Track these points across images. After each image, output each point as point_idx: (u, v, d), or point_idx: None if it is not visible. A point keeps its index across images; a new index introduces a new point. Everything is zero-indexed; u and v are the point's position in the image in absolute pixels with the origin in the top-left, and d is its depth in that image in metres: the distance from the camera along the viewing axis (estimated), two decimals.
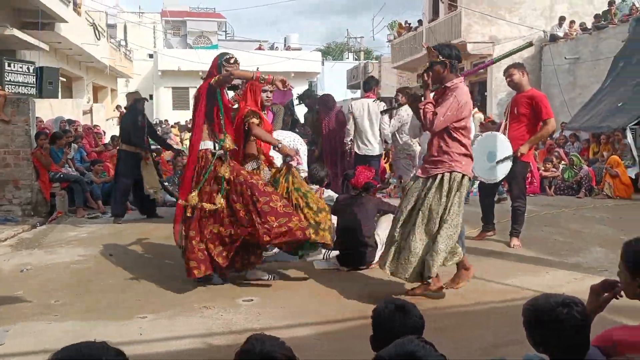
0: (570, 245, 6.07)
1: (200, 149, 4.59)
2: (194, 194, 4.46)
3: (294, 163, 4.93)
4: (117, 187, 7.99)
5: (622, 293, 2.10)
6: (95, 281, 4.96)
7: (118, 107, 21.12)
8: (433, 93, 4.20)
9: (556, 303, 1.85)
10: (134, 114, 7.95)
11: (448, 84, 4.09)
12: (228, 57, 4.78)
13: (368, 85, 7.82)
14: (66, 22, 14.78)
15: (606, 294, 2.12)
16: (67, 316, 4.06)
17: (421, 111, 4.08)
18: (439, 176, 4.07)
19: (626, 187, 9.70)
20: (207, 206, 4.44)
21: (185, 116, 23.62)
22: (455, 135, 4.09)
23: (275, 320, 3.93)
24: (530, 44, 5.18)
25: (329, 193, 6.03)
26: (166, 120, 24.48)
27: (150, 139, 8.19)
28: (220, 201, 4.44)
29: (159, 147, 9.71)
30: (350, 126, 7.40)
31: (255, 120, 4.79)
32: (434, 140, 4.19)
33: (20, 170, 8.14)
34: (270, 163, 5.08)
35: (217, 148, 4.58)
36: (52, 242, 6.65)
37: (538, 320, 1.86)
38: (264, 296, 4.45)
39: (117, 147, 8.79)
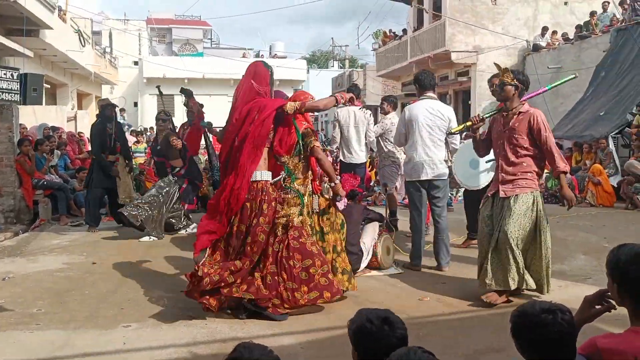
0: (554, 252, 6.00)
1: (256, 179, 4.13)
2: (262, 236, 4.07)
3: (340, 205, 4.52)
4: (87, 197, 7.95)
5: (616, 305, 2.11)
6: (78, 289, 4.91)
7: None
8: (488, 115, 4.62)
9: (542, 309, 1.86)
10: (100, 121, 7.91)
11: (522, 110, 4.39)
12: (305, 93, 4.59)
13: (352, 93, 7.78)
14: (51, 28, 14.67)
15: (599, 306, 2.14)
16: (50, 325, 4.01)
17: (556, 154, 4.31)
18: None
19: (609, 195, 9.82)
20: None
21: None
22: None
23: (260, 329, 3.91)
24: (575, 76, 5.35)
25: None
26: (151, 128, 24.33)
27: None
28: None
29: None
30: (337, 134, 7.42)
31: (317, 143, 4.38)
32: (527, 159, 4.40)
33: (3, 177, 8.05)
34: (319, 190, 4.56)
35: (285, 182, 4.26)
36: (35, 249, 6.57)
37: (524, 326, 1.87)
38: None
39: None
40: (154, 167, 8.10)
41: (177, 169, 7.42)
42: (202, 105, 7.95)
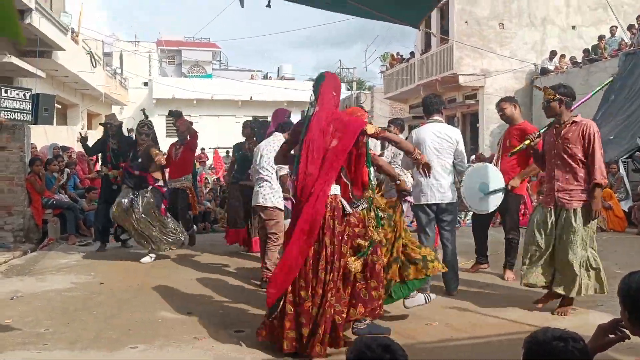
0: None
1: (331, 193, 3.85)
2: (354, 260, 3.78)
3: (410, 199, 4.41)
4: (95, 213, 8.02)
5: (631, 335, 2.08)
6: (86, 309, 4.90)
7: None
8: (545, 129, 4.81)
9: (553, 336, 1.83)
10: (103, 136, 7.99)
11: (576, 120, 4.61)
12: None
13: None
14: (64, 50, 14.90)
15: (613, 336, 2.12)
16: (57, 345, 4.00)
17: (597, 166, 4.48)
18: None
19: (620, 220, 9.75)
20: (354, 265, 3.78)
21: None
22: None
23: (266, 351, 3.88)
24: (612, 80, 5.51)
25: None
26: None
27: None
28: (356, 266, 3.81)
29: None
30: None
31: (374, 150, 4.21)
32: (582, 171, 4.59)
33: (13, 196, 8.11)
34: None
35: (356, 200, 3.97)
36: (43, 269, 6.59)
37: (536, 353, 1.84)
38: (255, 327, 4.40)
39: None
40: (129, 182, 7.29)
41: (159, 181, 7.24)
42: (191, 123, 7.99)
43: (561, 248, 4.58)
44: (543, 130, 4.89)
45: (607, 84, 5.47)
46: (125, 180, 7.21)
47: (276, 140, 5.72)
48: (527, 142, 4.83)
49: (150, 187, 7.09)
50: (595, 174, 4.47)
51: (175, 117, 7.83)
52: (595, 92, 5.56)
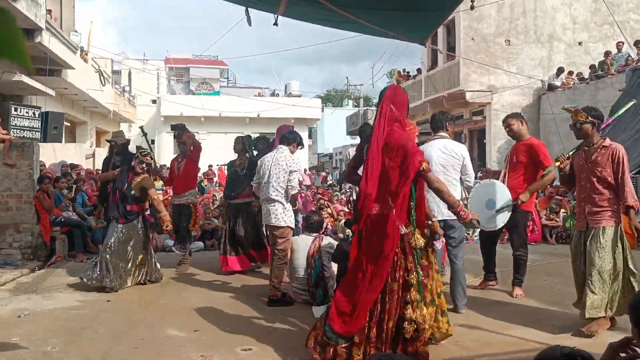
0: (574, 295, 5.97)
1: (402, 232, 3.67)
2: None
3: (438, 245, 4.15)
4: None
5: None
6: (93, 328, 4.89)
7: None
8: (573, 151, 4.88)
9: (562, 354, 1.81)
10: (108, 156, 7.88)
11: (605, 144, 4.66)
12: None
13: (364, 132, 7.80)
14: (73, 68, 15.07)
15: (624, 354, 2.08)
16: None
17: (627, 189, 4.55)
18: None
19: (629, 237, 9.62)
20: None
21: None
22: None
23: None
24: (634, 102, 5.57)
25: (329, 240, 6.01)
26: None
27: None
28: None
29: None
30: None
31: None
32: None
33: (22, 213, 8.15)
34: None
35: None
36: (51, 287, 6.59)
37: None
38: (262, 345, 4.39)
39: None
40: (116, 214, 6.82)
41: (147, 210, 7.04)
42: (194, 135, 7.82)
43: (589, 262, 4.60)
44: (572, 152, 4.94)
45: (628, 107, 5.48)
46: (113, 211, 6.73)
47: (282, 157, 5.72)
48: (557, 163, 4.93)
49: (140, 217, 6.80)
50: (627, 197, 4.52)
51: (180, 131, 7.57)
52: (618, 115, 5.58)
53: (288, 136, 5.96)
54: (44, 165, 10.96)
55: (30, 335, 4.66)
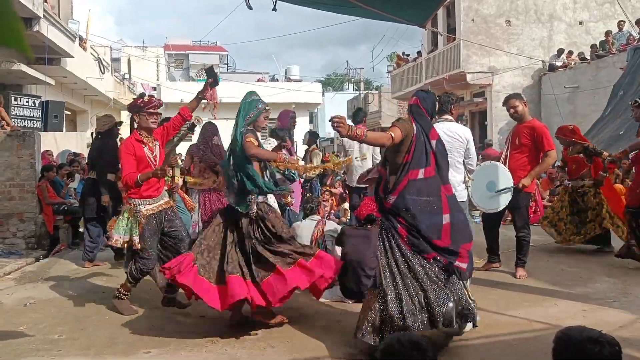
0: (577, 275, 6.03)
1: None
2: None
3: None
4: None
5: None
6: (98, 315, 4.93)
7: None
8: None
9: (588, 338, 1.72)
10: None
11: None
12: None
13: (357, 117, 7.78)
14: (72, 57, 14.98)
15: None
16: (70, 351, 4.03)
17: None
18: None
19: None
20: None
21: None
22: None
23: (279, 355, 3.88)
24: None
25: (333, 225, 6.02)
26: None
27: None
28: None
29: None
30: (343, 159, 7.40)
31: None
32: None
33: (25, 203, 8.17)
34: None
35: None
36: (56, 275, 6.63)
37: (566, 351, 1.75)
38: (268, 330, 4.41)
39: None
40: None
41: None
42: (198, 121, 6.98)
43: None
44: None
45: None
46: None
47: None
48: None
49: None
50: None
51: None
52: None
53: (279, 130, 5.84)
54: (52, 155, 10.94)
55: (37, 323, 4.69)
